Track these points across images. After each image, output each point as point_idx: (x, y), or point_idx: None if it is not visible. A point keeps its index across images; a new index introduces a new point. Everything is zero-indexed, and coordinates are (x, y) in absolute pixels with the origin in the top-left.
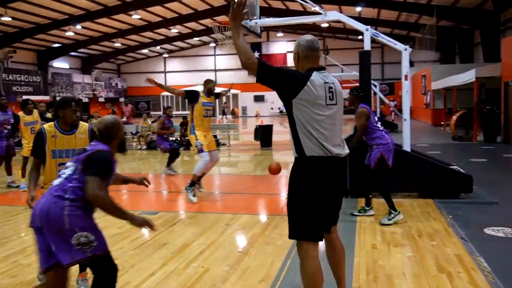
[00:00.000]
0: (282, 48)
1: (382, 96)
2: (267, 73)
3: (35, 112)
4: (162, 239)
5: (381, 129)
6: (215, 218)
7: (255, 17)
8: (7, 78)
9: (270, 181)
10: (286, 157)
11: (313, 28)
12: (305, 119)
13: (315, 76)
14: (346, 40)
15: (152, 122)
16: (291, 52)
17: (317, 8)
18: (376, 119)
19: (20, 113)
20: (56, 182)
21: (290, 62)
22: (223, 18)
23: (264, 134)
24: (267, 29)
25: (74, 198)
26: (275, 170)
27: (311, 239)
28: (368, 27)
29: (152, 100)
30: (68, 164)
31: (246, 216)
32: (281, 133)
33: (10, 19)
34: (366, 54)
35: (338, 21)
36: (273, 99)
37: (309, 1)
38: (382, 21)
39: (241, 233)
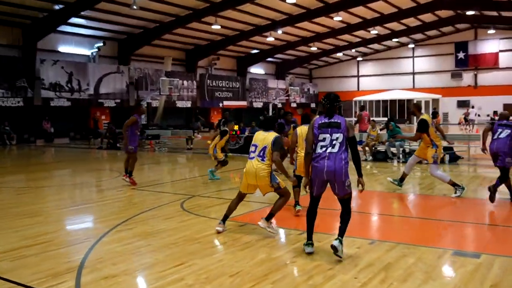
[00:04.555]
0: (494, 47)
1: None
2: None
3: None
4: None
5: None
6: None
7: None
8: (210, 84)
9: None
10: None
11: None
12: None
13: None
14: None
15: (381, 129)
16: (504, 51)
17: None
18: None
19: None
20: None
21: (502, 63)
22: None
23: None
24: (476, 26)
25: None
26: None
27: None
28: None
29: (344, 105)
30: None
31: None
32: None
33: (219, 27)
34: None
35: None
36: (480, 103)
37: None
38: None
39: None
